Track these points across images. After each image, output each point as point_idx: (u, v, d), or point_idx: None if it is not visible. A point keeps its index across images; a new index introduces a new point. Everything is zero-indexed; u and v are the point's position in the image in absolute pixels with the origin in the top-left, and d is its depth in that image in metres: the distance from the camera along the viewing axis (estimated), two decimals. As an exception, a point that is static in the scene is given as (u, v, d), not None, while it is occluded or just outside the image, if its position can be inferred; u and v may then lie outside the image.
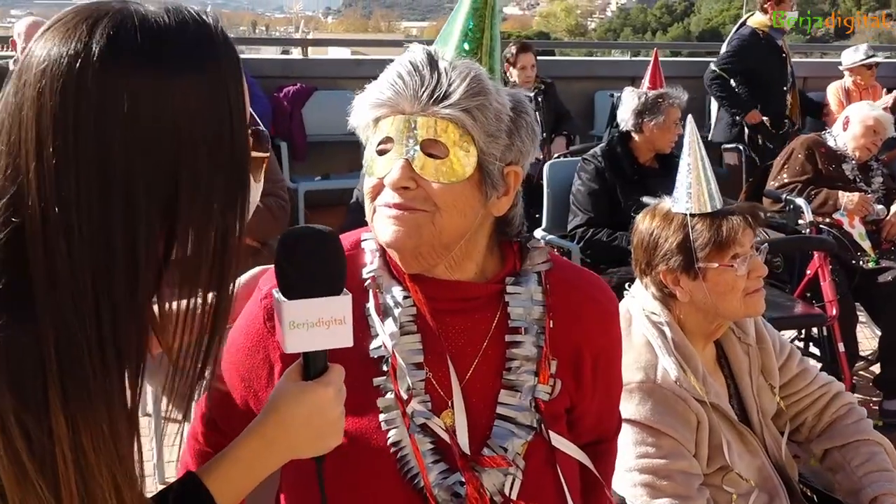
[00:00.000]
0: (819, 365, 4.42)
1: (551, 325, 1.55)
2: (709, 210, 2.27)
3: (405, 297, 1.51)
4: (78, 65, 0.98)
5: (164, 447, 3.57)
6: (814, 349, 4.71)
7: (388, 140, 1.44)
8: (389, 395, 1.48)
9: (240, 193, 1.09)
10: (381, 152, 1.45)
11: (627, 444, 2.14)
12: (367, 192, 1.48)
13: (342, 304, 1.26)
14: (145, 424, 4.16)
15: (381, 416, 1.48)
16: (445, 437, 1.48)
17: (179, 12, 1.06)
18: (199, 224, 1.06)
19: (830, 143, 5.05)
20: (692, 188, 2.28)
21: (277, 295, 1.25)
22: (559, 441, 1.56)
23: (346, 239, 1.59)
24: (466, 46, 1.49)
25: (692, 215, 2.27)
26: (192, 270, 1.07)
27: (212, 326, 1.10)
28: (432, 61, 1.42)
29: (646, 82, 4.71)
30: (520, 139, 1.48)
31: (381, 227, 1.45)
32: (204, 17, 1.08)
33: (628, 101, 4.71)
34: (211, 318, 1.10)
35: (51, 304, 0.97)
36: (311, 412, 1.23)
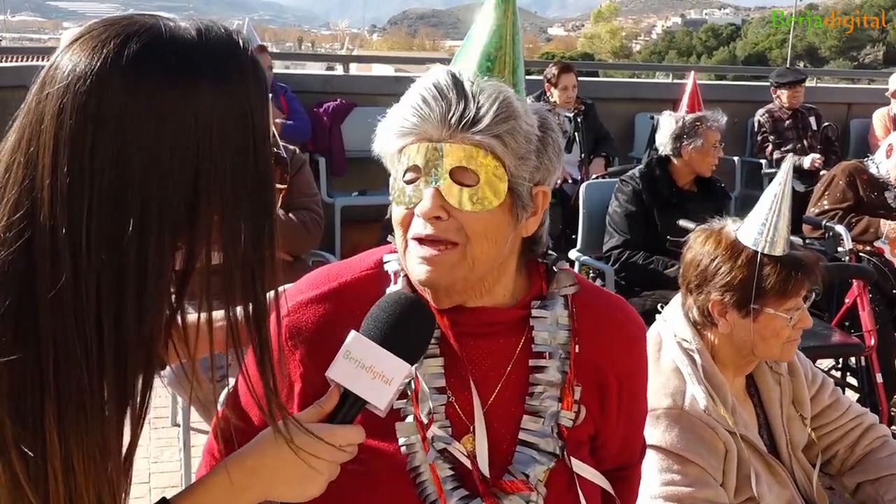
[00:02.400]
0: (856, 396, 4.35)
1: (577, 351, 1.52)
2: (778, 253, 2.20)
3: None
4: (102, 85, 0.96)
5: (192, 458, 3.57)
6: (851, 379, 4.62)
7: (415, 168, 1.38)
8: (409, 419, 1.46)
9: (266, 211, 1.08)
10: (410, 181, 1.40)
11: (653, 471, 2.11)
12: (398, 223, 1.43)
13: (400, 368, 1.26)
14: (174, 435, 4.20)
15: (401, 441, 1.45)
16: (466, 462, 1.46)
17: (210, 30, 1.04)
18: (224, 240, 1.05)
19: (872, 170, 4.97)
20: (768, 225, 2.20)
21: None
22: (581, 468, 1.52)
23: (369, 257, 1.58)
24: (489, 65, 1.43)
25: (763, 255, 2.19)
26: (226, 283, 1.07)
27: (257, 337, 1.10)
28: (458, 83, 1.36)
29: (684, 105, 4.67)
30: (547, 157, 1.43)
31: (414, 268, 1.41)
32: (234, 36, 1.06)
33: (666, 126, 4.66)
34: (255, 329, 1.09)
35: (53, 324, 0.96)
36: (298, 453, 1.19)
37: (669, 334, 2.30)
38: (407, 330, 1.29)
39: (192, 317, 1.10)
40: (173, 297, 1.07)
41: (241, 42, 1.07)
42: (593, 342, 1.55)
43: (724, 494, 2.13)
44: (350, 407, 1.26)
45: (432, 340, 1.47)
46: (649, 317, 2.46)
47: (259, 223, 1.07)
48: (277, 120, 6.42)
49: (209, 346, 1.08)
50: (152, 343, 1.03)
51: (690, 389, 2.18)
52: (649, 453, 2.10)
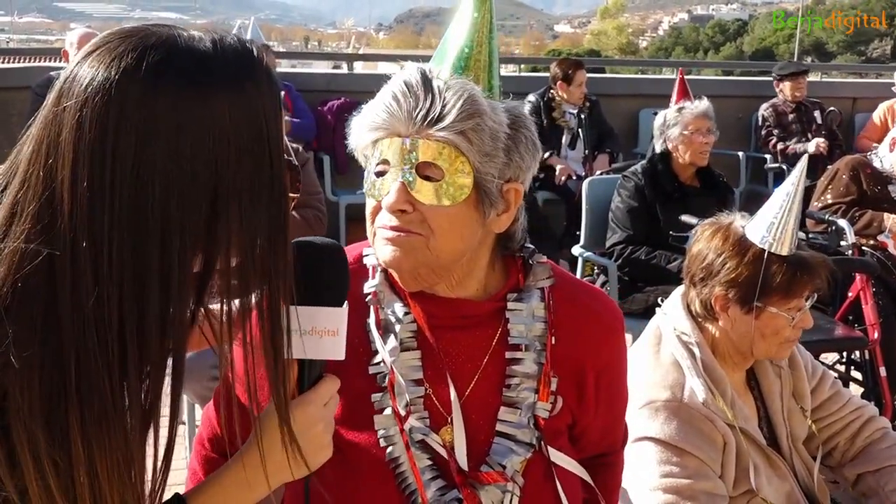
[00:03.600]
0: (861, 390, 4.35)
1: (553, 342, 1.55)
2: (785, 253, 2.19)
3: (406, 314, 1.52)
4: (120, 97, 0.97)
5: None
6: (856, 373, 4.62)
7: (385, 162, 1.43)
8: (387, 412, 1.49)
9: (280, 219, 1.09)
10: (380, 174, 1.44)
11: (651, 463, 2.11)
12: (368, 214, 1.48)
13: (337, 315, 1.27)
14: (181, 433, 4.21)
15: (380, 432, 1.48)
16: (444, 453, 1.49)
17: (224, 41, 1.06)
18: (242, 247, 1.06)
19: (876, 163, 4.95)
20: (778, 223, 2.19)
21: None
22: (558, 457, 1.56)
23: (349, 253, 1.59)
24: (463, 64, 1.47)
25: (769, 254, 2.19)
26: (242, 287, 1.08)
27: (270, 327, 1.12)
28: (426, 81, 1.40)
29: (672, 101, 4.70)
30: (518, 155, 1.46)
31: (380, 249, 1.46)
32: (248, 46, 1.08)
33: (655, 123, 4.74)
34: (269, 335, 1.12)
35: (75, 336, 0.97)
36: (296, 432, 1.20)
37: (669, 328, 2.31)
38: (322, 276, 1.28)
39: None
40: (192, 304, 1.09)
41: (255, 52, 1.08)
42: (570, 334, 1.58)
43: (722, 486, 2.14)
44: (311, 370, 1.27)
45: (409, 333, 1.51)
46: (653, 312, 2.46)
47: (275, 230, 1.08)
48: (286, 118, 6.43)
49: (220, 340, 1.10)
50: (178, 353, 1.04)
51: (689, 382, 2.19)
52: (648, 446, 2.12)
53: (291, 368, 1.27)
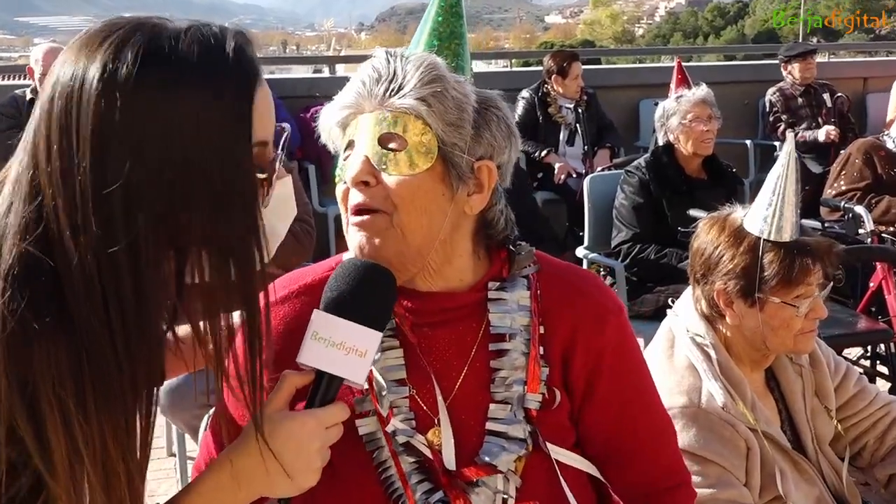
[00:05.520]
0: (888, 385, 4.34)
1: (541, 331, 1.56)
2: (785, 240, 2.19)
3: None
4: (84, 87, 1.05)
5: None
6: (882, 368, 4.62)
7: (351, 144, 1.49)
8: (371, 415, 1.51)
9: (249, 218, 1.12)
10: (347, 157, 1.50)
11: (671, 474, 2.11)
12: (340, 202, 1.52)
13: (371, 337, 1.30)
14: (171, 466, 4.21)
15: (364, 436, 1.50)
16: (430, 454, 1.50)
17: (202, 33, 1.10)
18: (210, 248, 1.10)
19: (889, 145, 4.97)
20: (772, 210, 2.19)
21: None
22: (560, 452, 1.55)
23: (332, 260, 1.64)
24: (436, 42, 1.58)
25: (766, 241, 2.19)
26: (213, 296, 1.12)
27: (249, 349, 1.16)
28: (389, 60, 1.48)
29: (672, 91, 4.70)
30: (490, 133, 1.51)
31: (351, 238, 1.49)
32: (223, 38, 1.12)
33: (656, 115, 4.75)
34: (248, 343, 1.16)
35: (78, 309, 1.05)
36: (283, 446, 1.24)
37: (681, 329, 2.30)
38: (370, 296, 1.34)
39: (183, 330, 1.18)
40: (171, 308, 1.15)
41: (230, 45, 1.11)
42: (562, 321, 1.58)
43: (748, 495, 2.13)
44: (328, 388, 1.30)
45: (390, 332, 1.53)
46: (664, 314, 2.46)
47: (246, 233, 1.11)
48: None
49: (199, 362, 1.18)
50: (156, 338, 1.11)
51: (706, 386, 2.18)
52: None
53: (303, 377, 1.31)
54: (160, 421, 4.26)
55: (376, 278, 1.37)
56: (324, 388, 1.30)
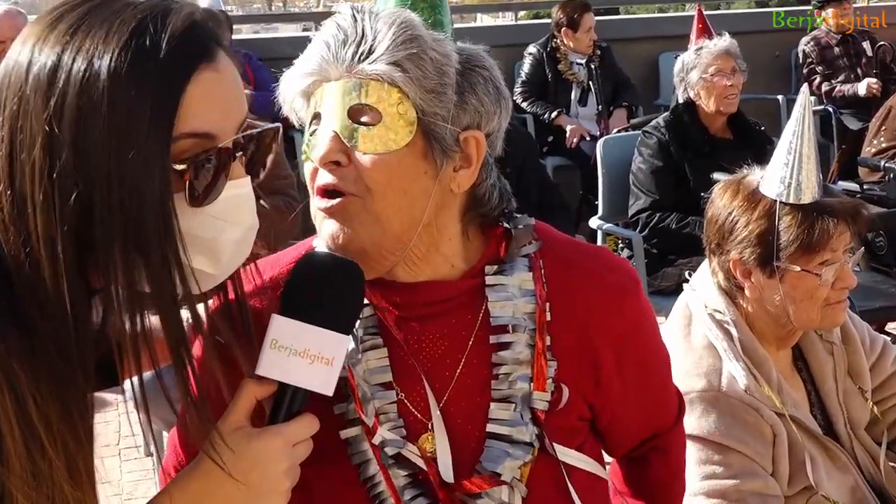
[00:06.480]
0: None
1: (548, 319, 1.50)
2: (805, 202, 2.16)
3: (365, 306, 1.46)
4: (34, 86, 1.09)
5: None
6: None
7: (317, 116, 1.40)
8: (355, 424, 1.45)
9: (160, 219, 1.10)
10: (314, 132, 1.41)
11: (690, 465, 2.08)
12: (308, 182, 1.43)
13: (337, 342, 1.26)
14: (149, 467, 4.23)
15: (349, 449, 1.46)
16: (423, 465, 1.45)
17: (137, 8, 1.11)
18: (120, 247, 1.09)
19: (935, 96, 4.93)
20: (788, 170, 2.16)
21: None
22: (569, 455, 1.52)
23: (299, 248, 1.58)
24: (407, 2, 1.48)
25: (783, 204, 2.16)
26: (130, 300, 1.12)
27: (173, 361, 1.16)
28: (356, 18, 1.39)
29: (692, 42, 4.67)
30: (476, 97, 1.42)
31: (321, 228, 1.42)
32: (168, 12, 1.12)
33: (675, 69, 4.72)
34: (173, 347, 1.16)
35: (34, 291, 1.09)
36: (249, 466, 1.20)
37: (699, 305, 2.29)
38: (335, 296, 1.28)
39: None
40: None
41: (172, 22, 1.11)
42: (571, 305, 1.52)
43: (775, 485, 2.13)
44: (291, 401, 1.26)
45: (372, 329, 1.48)
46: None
47: (156, 234, 1.10)
48: (246, 91, 6.39)
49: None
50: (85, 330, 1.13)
51: (727, 367, 2.17)
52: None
53: (264, 387, 1.27)
54: (137, 419, 4.27)
55: (341, 274, 1.31)
56: (288, 400, 1.26)
